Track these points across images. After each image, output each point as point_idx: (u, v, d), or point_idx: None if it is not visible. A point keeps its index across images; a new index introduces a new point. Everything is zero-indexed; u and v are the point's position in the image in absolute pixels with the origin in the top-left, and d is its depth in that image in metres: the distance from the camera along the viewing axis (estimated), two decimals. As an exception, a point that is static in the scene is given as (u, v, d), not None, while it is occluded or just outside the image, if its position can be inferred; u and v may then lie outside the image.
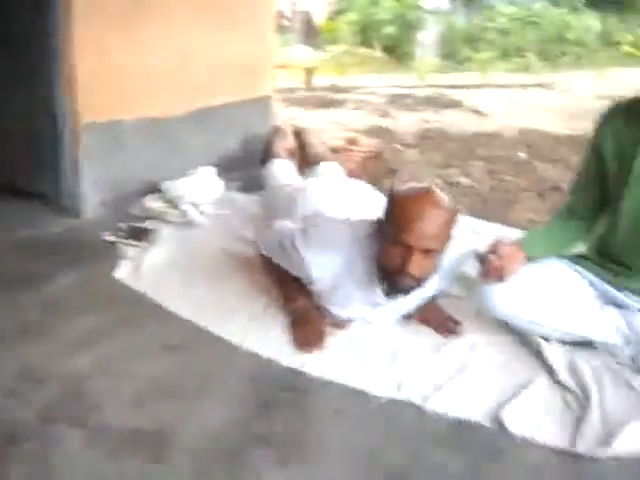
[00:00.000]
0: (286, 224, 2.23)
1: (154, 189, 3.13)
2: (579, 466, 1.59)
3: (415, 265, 1.84)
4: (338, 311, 2.11)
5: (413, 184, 1.99)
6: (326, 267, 2.02)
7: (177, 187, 3.04)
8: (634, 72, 10.07)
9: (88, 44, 2.81)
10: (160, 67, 3.14)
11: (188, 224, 2.95)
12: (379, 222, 1.96)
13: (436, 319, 2.17)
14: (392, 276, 1.91)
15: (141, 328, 2.13)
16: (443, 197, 1.88)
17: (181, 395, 1.80)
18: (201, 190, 3.05)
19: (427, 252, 1.84)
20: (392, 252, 1.87)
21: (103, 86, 2.90)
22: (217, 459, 1.57)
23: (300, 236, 2.06)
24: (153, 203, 3.04)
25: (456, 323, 2.16)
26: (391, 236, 1.86)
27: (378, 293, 2.02)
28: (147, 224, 2.93)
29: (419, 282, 1.93)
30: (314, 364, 1.95)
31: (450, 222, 1.88)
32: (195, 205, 3.00)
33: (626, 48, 12.66)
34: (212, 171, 3.18)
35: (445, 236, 1.88)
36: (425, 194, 1.86)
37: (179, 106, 3.31)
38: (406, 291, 1.96)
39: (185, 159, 3.33)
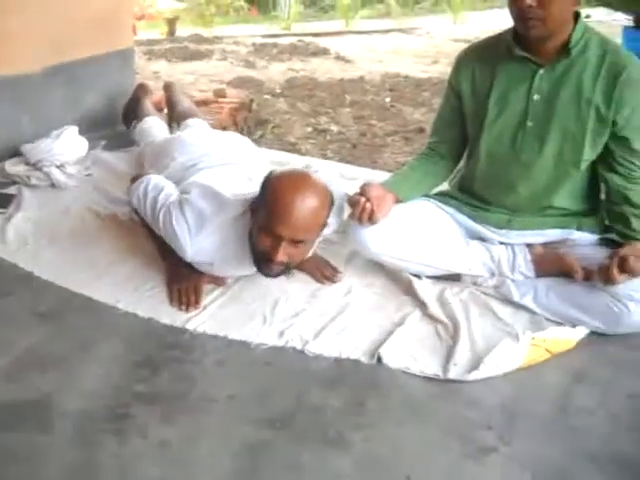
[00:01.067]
0: (161, 186, 2.14)
1: (14, 152, 2.96)
2: (452, 390, 1.70)
3: (283, 254, 1.82)
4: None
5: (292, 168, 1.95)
6: (201, 247, 1.98)
7: (38, 149, 2.89)
8: (486, 15, 10.45)
9: None
10: (11, 22, 2.94)
11: (53, 187, 2.83)
12: (255, 202, 1.90)
13: (314, 267, 2.20)
14: (261, 261, 1.89)
15: (11, 297, 2.04)
16: (319, 183, 1.85)
17: (59, 362, 1.76)
18: (64, 150, 2.92)
19: (297, 242, 1.83)
20: (262, 238, 1.84)
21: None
22: (102, 422, 1.55)
23: (176, 209, 1.99)
24: (14, 167, 2.89)
25: (334, 270, 2.21)
26: (263, 222, 1.82)
27: (253, 269, 2.00)
28: (10, 189, 2.79)
29: (288, 268, 1.94)
30: (195, 320, 1.95)
31: (324, 209, 1.86)
32: (59, 166, 2.88)
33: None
34: (74, 130, 3.05)
35: (318, 225, 1.87)
36: (300, 183, 1.82)
37: (34, 63, 3.13)
38: (274, 276, 1.95)
39: (45, 119, 3.16)
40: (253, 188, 1.99)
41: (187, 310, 1.98)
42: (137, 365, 1.76)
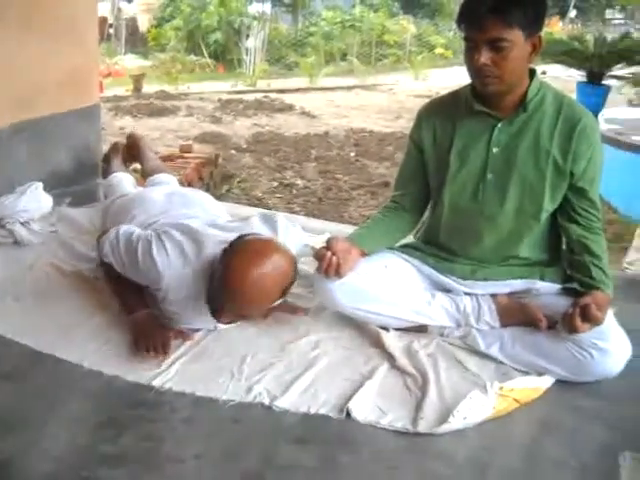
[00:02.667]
0: (132, 229, 2.16)
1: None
2: (422, 443, 1.69)
3: (227, 319, 1.95)
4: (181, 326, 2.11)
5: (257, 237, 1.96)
6: (177, 276, 1.99)
7: (2, 205, 2.87)
8: (446, 72, 10.78)
9: None
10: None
11: (16, 244, 2.80)
12: (223, 254, 1.90)
13: (281, 309, 2.16)
14: (213, 312, 1.96)
15: (-29, 357, 2.00)
16: (282, 255, 1.88)
17: (22, 423, 1.71)
18: (29, 207, 2.90)
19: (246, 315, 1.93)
20: (215, 294, 1.89)
21: None
22: (65, 485, 1.52)
23: (155, 240, 2.02)
24: (-24, 225, 2.86)
25: (300, 309, 2.22)
26: (216, 291, 1.87)
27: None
28: (-29, 247, 2.75)
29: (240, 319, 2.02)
30: (161, 377, 1.92)
31: (284, 281, 1.90)
32: (23, 223, 2.85)
33: (439, 50, 13.53)
34: (39, 186, 3.04)
35: (271, 302, 1.92)
36: (257, 268, 1.81)
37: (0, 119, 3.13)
38: (225, 324, 2.02)
39: (10, 175, 3.15)
40: (218, 233, 2.06)
41: (152, 366, 1.95)
42: (103, 425, 1.72)
